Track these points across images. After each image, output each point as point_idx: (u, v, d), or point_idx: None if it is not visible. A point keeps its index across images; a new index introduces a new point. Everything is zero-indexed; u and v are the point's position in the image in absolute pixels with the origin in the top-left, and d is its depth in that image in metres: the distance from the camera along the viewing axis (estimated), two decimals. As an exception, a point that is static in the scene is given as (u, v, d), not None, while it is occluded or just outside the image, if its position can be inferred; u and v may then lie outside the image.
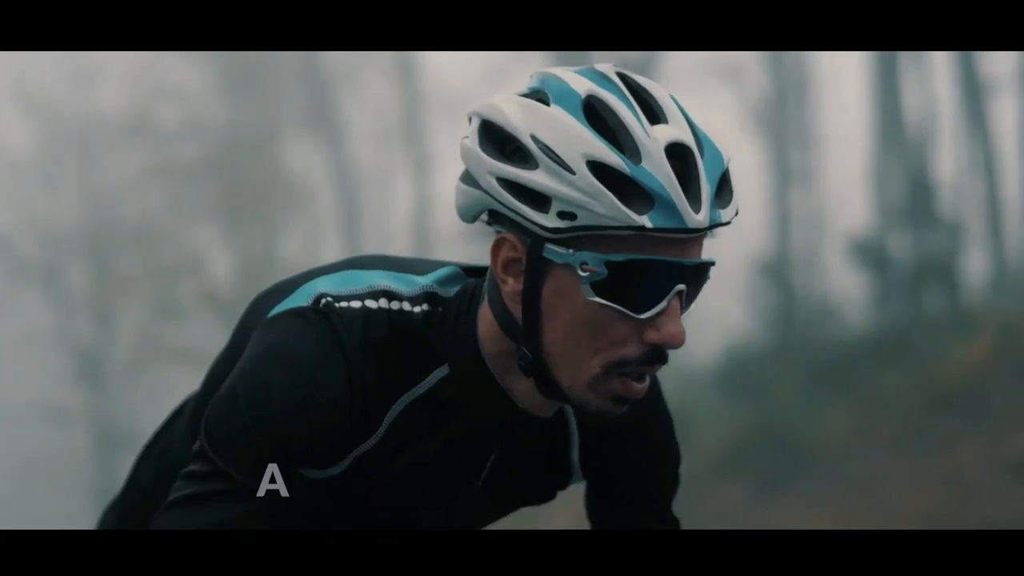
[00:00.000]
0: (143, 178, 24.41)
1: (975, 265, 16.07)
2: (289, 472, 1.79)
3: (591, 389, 1.73)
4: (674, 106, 1.72)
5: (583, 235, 1.67)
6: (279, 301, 1.85)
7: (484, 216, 1.77)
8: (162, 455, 2.14)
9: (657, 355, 1.71)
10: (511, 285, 1.74)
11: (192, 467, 1.82)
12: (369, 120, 24.83)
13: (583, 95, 1.70)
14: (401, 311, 1.82)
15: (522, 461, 1.93)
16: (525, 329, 1.74)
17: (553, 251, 1.69)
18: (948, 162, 16.74)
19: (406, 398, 1.82)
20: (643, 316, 1.69)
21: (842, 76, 18.23)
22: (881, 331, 14.71)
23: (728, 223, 1.71)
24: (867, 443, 12.32)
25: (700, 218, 1.66)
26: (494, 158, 1.71)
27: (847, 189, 18.03)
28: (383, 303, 1.82)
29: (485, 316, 1.80)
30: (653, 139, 1.67)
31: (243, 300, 2.04)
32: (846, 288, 16.64)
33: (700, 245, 1.72)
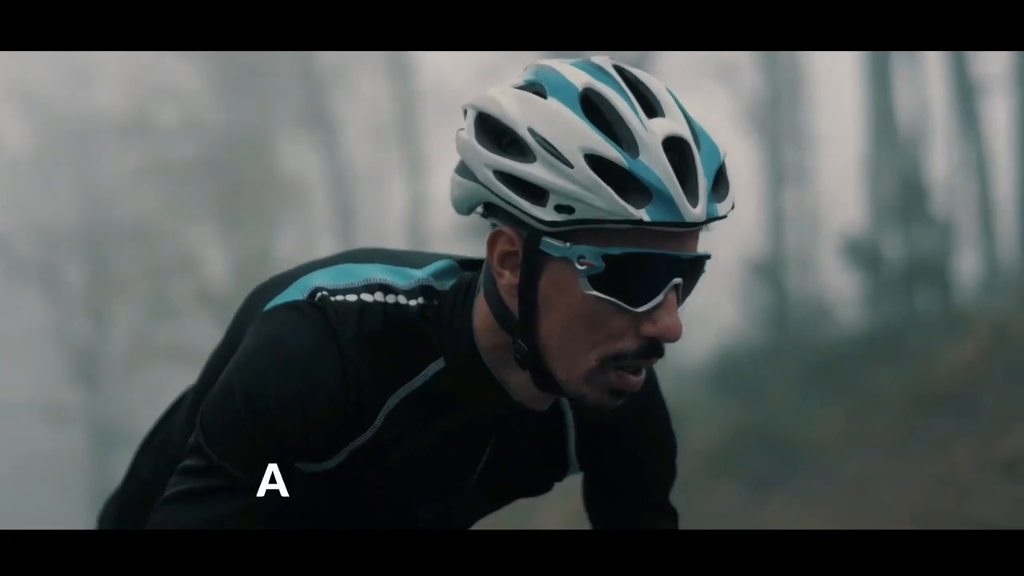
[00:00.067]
0: (139, 177, 24.38)
1: (967, 265, 16.09)
2: (285, 466, 1.79)
3: (587, 382, 1.73)
4: (670, 99, 1.71)
5: (580, 228, 1.67)
6: (275, 295, 1.85)
7: (479, 209, 1.76)
8: (161, 448, 2.14)
9: (654, 348, 1.71)
10: (507, 278, 1.73)
11: (188, 462, 1.82)
12: (364, 120, 24.82)
13: (580, 88, 1.69)
14: (397, 304, 1.82)
15: (518, 454, 1.93)
16: (521, 322, 1.73)
17: (550, 244, 1.69)
18: (940, 162, 16.76)
19: (402, 391, 1.82)
20: (640, 309, 1.69)
21: (835, 76, 18.25)
22: (874, 330, 14.72)
23: (724, 216, 1.71)
24: (860, 442, 12.33)
25: (697, 212, 1.66)
26: (491, 151, 1.70)
27: (840, 188, 18.05)
28: (379, 297, 1.81)
29: (481, 309, 1.79)
30: (650, 132, 1.67)
31: (239, 299, 2.04)
32: (839, 287, 16.64)
33: (696, 238, 1.71)
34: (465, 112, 1.76)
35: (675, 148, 1.67)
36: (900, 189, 16.15)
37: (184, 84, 24.73)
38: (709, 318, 15.15)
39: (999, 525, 8.33)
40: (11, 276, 24.93)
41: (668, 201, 1.65)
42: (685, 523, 2.09)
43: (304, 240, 24.81)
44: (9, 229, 24.78)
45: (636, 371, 1.74)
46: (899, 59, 16.72)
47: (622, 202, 1.64)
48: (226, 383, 1.80)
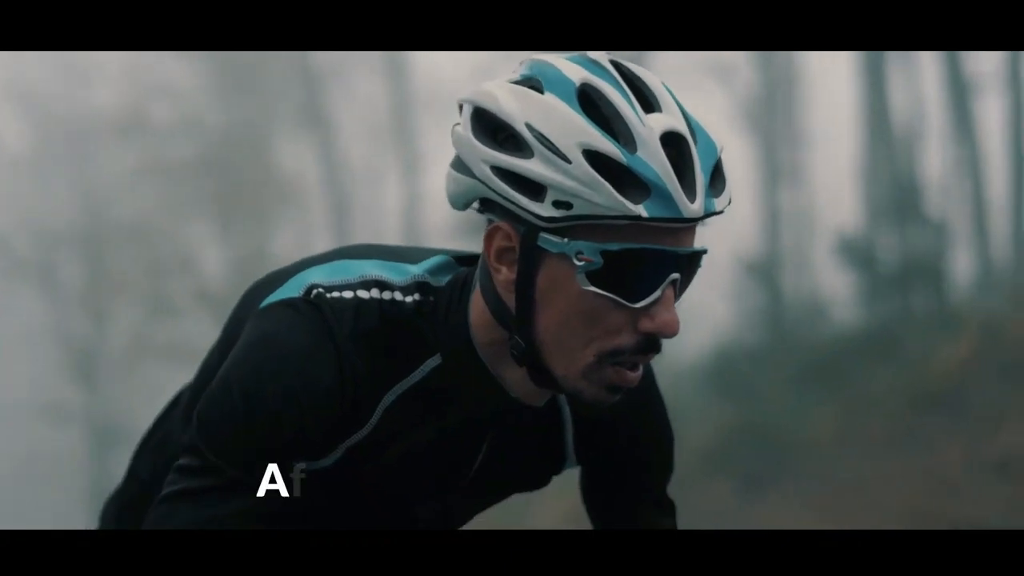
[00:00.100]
0: (138, 177, 24.36)
1: (961, 264, 16.10)
2: (282, 465, 1.79)
3: (585, 378, 1.73)
4: (667, 94, 1.71)
5: (578, 224, 1.66)
6: (271, 292, 1.84)
7: (475, 204, 1.75)
8: (159, 447, 2.13)
9: (651, 344, 1.71)
10: (504, 274, 1.73)
11: (183, 461, 1.82)
12: (360, 118, 24.81)
13: (577, 83, 1.68)
14: (393, 301, 1.81)
15: (515, 449, 1.92)
16: (518, 318, 1.73)
17: (548, 240, 1.68)
18: (935, 161, 16.77)
19: (398, 388, 1.81)
20: (638, 305, 1.68)
21: (830, 75, 18.26)
22: (868, 330, 14.73)
23: (722, 212, 1.70)
24: (854, 442, 12.34)
25: (695, 207, 1.66)
26: (488, 146, 1.70)
27: (835, 188, 18.05)
28: (374, 293, 1.81)
29: (477, 305, 1.78)
30: (648, 128, 1.66)
31: (236, 297, 2.03)
32: (833, 286, 16.65)
33: (693, 234, 1.71)
34: (461, 107, 1.75)
35: (673, 143, 1.67)
36: (894, 188, 16.17)
37: (182, 84, 24.72)
38: (704, 317, 15.17)
39: (992, 524, 8.35)
40: (10, 275, 24.90)
41: (666, 197, 1.65)
42: (680, 521, 2.09)
43: (302, 239, 24.78)
44: (8, 228, 24.75)
45: (633, 367, 1.74)
46: (894, 59, 16.75)
47: (621, 198, 1.63)
48: (222, 380, 1.80)
